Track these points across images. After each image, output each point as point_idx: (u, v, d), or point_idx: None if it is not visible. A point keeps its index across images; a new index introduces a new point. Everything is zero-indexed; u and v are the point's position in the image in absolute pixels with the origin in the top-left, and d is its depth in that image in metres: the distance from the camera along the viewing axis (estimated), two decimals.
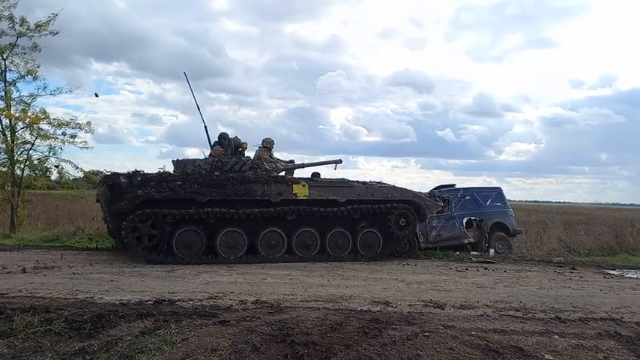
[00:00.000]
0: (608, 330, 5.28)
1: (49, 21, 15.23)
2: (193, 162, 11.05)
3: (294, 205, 10.27)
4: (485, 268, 10.48)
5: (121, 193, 9.43)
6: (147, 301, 6.00)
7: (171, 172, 10.72)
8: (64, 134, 15.60)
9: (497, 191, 14.89)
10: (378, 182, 11.73)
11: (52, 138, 15.59)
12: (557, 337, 4.98)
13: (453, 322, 5.37)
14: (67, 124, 15.57)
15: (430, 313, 5.76)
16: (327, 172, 11.92)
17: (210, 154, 11.53)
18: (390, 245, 11.35)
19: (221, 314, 5.32)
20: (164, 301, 6.00)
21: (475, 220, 13.93)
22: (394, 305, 6.16)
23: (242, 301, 6.12)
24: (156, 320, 5.01)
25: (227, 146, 11.53)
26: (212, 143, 11.90)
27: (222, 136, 11.85)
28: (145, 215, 9.45)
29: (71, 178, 17.53)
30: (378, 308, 5.96)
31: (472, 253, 13.27)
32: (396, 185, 11.64)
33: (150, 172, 10.19)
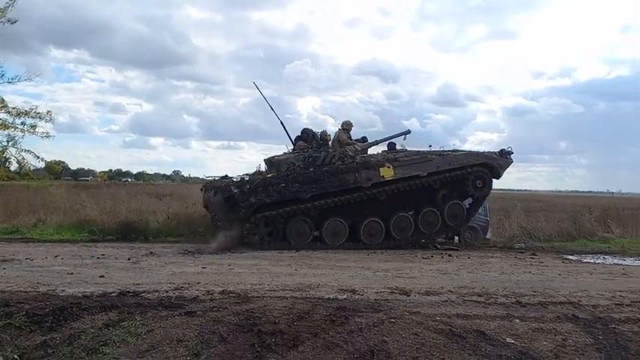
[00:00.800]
0: (567, 313, 5.46)
1: (7, 7, 14.58)
2: (286, 160, 11.66)
3: (383, 186, 11.25)
4: (450, 255, 10.68)
5: (236, 202, 10.70)
6: (111, 293, 5.89)
7: (263, 171, 11.98)
8: (23, 124, 15.06)
9: None
10: (452, 150, 12.46)
11: (11, 127, 15.04)
12: (517, 320, 5.14)
13: (418, 308, 5.46)
14: (27, 113, 15.02)
15: (396, 300, 5.84)
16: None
17: (295, 150, 12.31)
18: (472, 209, 12.48)
19: (187, 305, 5.28)
20: (128, 292, 5.90)
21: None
22: (361, 293, 6.22)
23: (209, 291, 6.08)
24: (120, 312, 4.94)
25: (311, 139, 12.23)
26: (294, 139, 12.69)
27: (305, 132, 12.60)
28: (260, 219, 10.76)
29: (32, 168, 16.96)
30: (345, 296, 6.01)
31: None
32: (470, 150, 12.50)
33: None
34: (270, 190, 10.80)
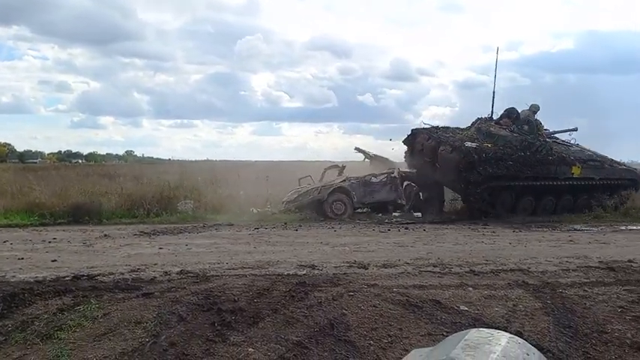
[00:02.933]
0: (517, 280, 5.70)
1: None
2: (505, 137, 13.48)
3: (570, 181, 13.52)
4: (406, 228, 10.91)
5: (473, 167, 12.34)
6: (64, 277, 5.75)
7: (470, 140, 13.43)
8: None
9: None
10: (618, 162, 15.40)
11: None
12: (471, 289, 5.32)
13: (376, 280, 5.57)
14: None
15: (354, 274, 5.94)
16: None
17: (499, 123, 14.47)
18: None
19: (144, 286, 5.21)
20: (83, 276, 5.77)
21: (414, 187, 14.59)
22: (320, 268, 6.29)
23: (166, 272, 6.01)
24: (75, 296, 4.83)
25: (514, 118, 14.50)
26: (500, 115, 14.73)
27: (510, 111, 14.74)
28: (487, 189, 12.57)
29: None
30: (304, 272, 6.07)
31: (394, 214, 13.77)
32: (627, 167, 15.51)
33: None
34: (500, 164, 12.58)
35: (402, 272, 6.06)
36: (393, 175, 14.28)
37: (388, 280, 5.64)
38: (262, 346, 3.92)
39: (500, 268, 6.36)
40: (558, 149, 14.11)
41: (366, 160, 16.37)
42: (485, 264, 6.62)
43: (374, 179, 14.25)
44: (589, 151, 15.20)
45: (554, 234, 10.40)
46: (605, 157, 15.17)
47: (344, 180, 13.99)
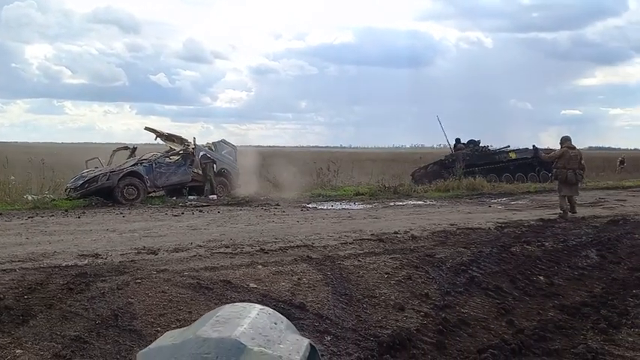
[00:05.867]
0: (302, 255, 6.10)
1: None
2: (464, 155, 20.66)
3: (512, 161, 20.87)
4: (201, 211, 10.84)
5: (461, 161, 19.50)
6: None
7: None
8: None
9: (234, 149, 16.06)
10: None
11: None
12: (260, 267, 5.54)
13: (166, 265, 5.45)
14: None
15: (143, 260, 5.71)
16: None
17: (458, 149, 21.21)
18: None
19: None
20: None
21: (210, 159, 14.37)
22: (104, 257, 5.89)
23: None
24: None
25: (466, 146, 21.62)
26: (453, 146, 21.62)
27: (460, 141, 21.77)
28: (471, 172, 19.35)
29: None
30: (86, 261, 5.62)
31: (189, 197, 13.54)
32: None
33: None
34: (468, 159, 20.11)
35: (194, 255, 6.02)
36: (189, 150, 14.00)
37: (179, 264, 5.56)
38: (33, 346, 3.56)
39: (288, 245, 6.72)
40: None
41: (159, 140, 15.71)
42: (275, 242, 6.92)
43: (168, 160, 13.85)
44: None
45: (337, 212, 11.35)
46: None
47: (135, 163, 13.30)
